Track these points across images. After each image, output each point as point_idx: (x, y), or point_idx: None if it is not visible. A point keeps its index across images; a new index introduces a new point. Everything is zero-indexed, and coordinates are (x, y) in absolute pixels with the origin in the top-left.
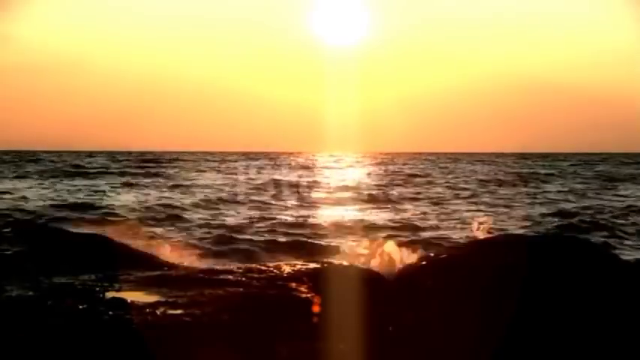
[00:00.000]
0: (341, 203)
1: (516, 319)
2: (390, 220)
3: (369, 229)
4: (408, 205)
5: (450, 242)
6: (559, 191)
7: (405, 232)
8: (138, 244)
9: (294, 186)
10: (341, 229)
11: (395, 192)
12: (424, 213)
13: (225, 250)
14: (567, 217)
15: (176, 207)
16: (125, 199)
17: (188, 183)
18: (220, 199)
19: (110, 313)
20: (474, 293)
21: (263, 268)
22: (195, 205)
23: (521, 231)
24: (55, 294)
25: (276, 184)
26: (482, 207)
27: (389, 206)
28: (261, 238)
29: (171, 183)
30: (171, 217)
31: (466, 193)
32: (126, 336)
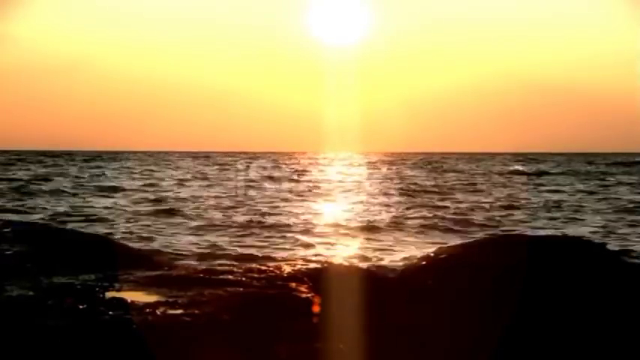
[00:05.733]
0: None
1: (517, 319)
2: None
3: None
4: None
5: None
6: None
7: None
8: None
9: None
10: None
11: None
12: None
13: None
14: None
15: None
16: None
17: None
18: None
19: (110, 313)
20: (474, 293)
21: (263, 268)
22: None
23: None
24: (55, 294)
25: None
26: None
27: None
28: None
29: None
30: None
31: None
32: (126, 336)
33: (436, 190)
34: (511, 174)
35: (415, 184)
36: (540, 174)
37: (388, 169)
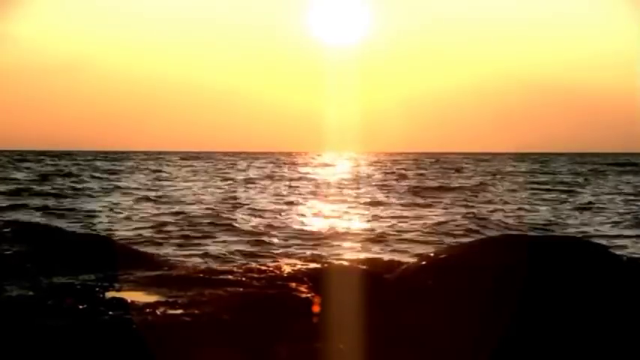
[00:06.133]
0: None
1: (517, 319)
2: None
3: None
4: None
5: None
6: None
7: None
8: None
9: None
10: None
11: None
12: None
13: None
14: None
15: None
16: None
17: None
18: None
19: (110, 313)
20: (474, 293)
21: (263, 268)
22: None
23: None
24: (55, 294)
25: None
26: None
27: None
28: None
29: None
30: None
31: None
32: (126, 336)
33: (443, 188)
34: (525, 174)
35: (425, 183)
36: (553, 174)
37: (397, 169)
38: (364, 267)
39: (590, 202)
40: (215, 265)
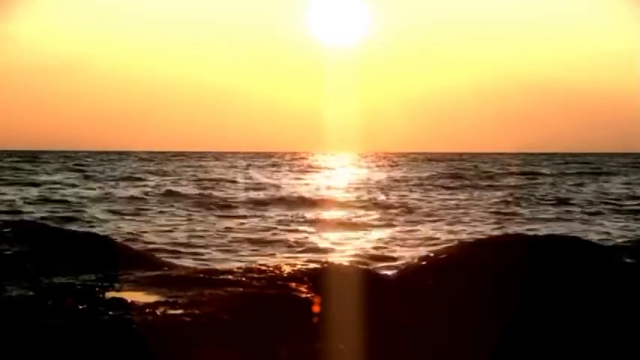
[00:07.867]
0: None
1: (517, 319)
2: None
3: None
4: None
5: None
6: None
7: None
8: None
9: None
10: None
11: None
12: None
13: None
14: None
15: None
16: None
17: None
18: None
19: (110, 313)
20: (474, 293)
21: (263, 268)
22: None
23: None
24: (55, 294)
25: None
26: None
27: None
28: None
29: None
30: None
31: None
32: (126, 336)
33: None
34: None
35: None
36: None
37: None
38: (364, 267)
39: None
40: (216, 265)
